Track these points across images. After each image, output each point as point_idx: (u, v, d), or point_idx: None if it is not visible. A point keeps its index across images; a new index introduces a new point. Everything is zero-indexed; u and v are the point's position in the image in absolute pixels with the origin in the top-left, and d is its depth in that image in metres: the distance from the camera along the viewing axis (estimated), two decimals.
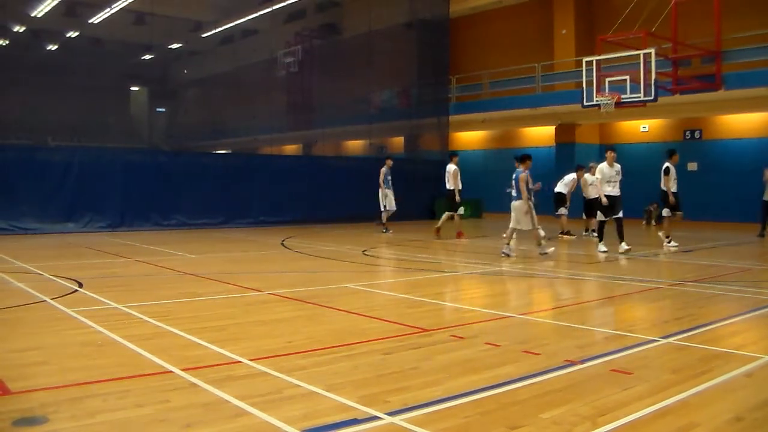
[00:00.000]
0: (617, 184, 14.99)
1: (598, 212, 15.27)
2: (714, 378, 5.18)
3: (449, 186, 18.19)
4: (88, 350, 6.07)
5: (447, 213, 18.43)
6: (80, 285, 9.76)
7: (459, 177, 18.10)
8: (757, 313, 8.16)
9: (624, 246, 14.65)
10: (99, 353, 5.94)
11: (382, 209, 20.49)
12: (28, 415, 4.29)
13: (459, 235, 18.31)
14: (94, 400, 4.62)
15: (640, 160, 22.95)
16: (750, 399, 4.77)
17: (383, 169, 20.40)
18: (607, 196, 14.91)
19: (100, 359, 5.73)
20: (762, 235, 18.51)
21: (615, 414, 4.33)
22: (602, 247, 14.84)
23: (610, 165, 15.04)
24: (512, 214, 14.34)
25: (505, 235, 14.56)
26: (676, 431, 4.11)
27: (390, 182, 20.52)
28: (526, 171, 14.21)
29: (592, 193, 18.10)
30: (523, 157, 14.48)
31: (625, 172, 22.50)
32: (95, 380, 5.04)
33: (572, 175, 19.13)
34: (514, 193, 14.31)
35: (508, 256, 13.98)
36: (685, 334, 6.76)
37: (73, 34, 28.49)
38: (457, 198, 18.13)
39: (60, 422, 4.18)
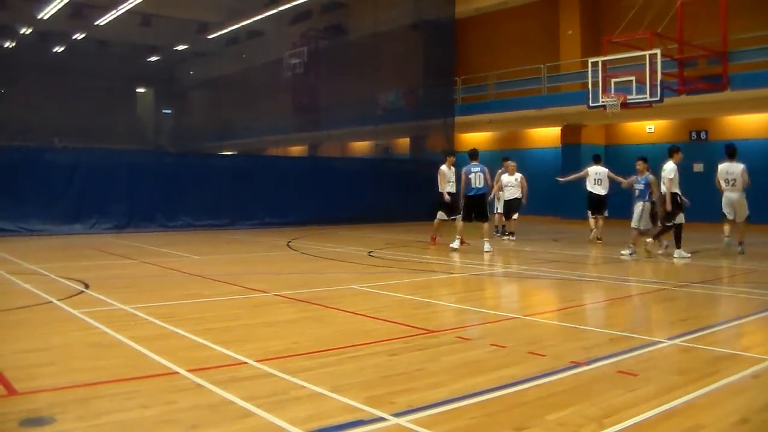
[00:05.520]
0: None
1: (681, 214, 14.32)
2: (720, 380, 5.17)
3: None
4: (94, 351, 6.08)
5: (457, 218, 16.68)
6: (87, 286, 9.78)
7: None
8: (763, 314, 8.13)
9: (683, 253, 14.20)
10: (105, 354, 5.96)
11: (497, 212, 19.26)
12: (35, 415, 4.30)
13: (432, 240, 16.96)
14: (100, 400, 4.63)
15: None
16: (756, 401, 4.76)
17: (499, 171, 19.21)
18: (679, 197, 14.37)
19: (106, 360, 5.74)
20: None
21: (621, 415, 4.33)
22: (684, 253, 14.12)
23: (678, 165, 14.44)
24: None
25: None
26: None
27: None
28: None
29: (506, 194, 18.41)
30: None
31: (629, 174, 22.52)
32: (102, 381, 5.05)
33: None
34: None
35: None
36: (691, 336, 6.75)
37: (79, 35, 28.61)
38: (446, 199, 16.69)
39: (67, 423, 4.19)
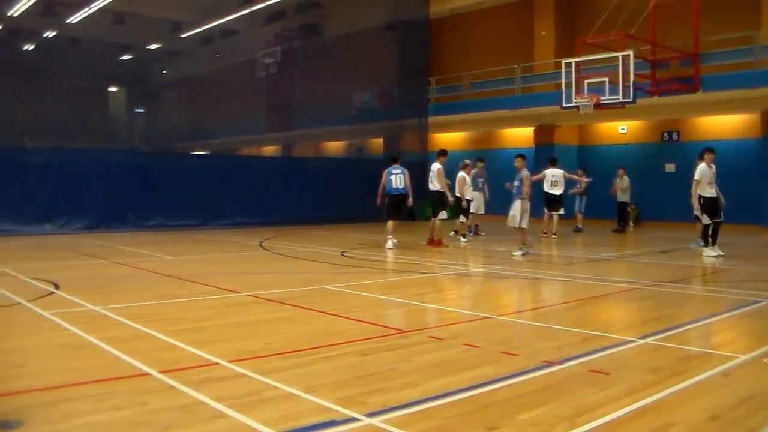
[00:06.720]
0: (714, 186, 14.40)
1: (704, 215, 14.42)
2: (691, 378, 5.23)
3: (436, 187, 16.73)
4: (65, 353, 6.03)
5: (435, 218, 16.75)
6: (57, 287, 9.68)
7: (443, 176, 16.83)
8: (733, 313, 8.23)
9: (717, 250, 14.29)
10: (76, 356, 5.90)
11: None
12: (2, 419, 4.25)
13: (438, 243, 16.62)
14: (71, 403, 4.59)
15: (618, 162, 23.07)
16: (727, 398, 4.80)
17: (473, 171, 19.17)
18: (711, 198, 14.28)
19: (77, 362, 5.69)
20: (622, 231, 21.76)
21: (593, 414, 4.35)
22: (711, 252, 14.28)
23: (709, 167, 14.32)
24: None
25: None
26: (653, 431, 4.13)
27: (479, 184, 19.58)
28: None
29: (468, 193, 18.54)
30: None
31: (604, 174, 22.74)
32: (72, 383, 5.01)
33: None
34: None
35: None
36: (662, 335, 6.80)
37: (50, 33, 28.28)
38: (450, 199, 16.94)
39: (35, 426, 4.14)
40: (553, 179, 19.70)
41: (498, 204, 19.20)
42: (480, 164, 19.89)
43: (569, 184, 20.95)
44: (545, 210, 19.92)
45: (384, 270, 12.71)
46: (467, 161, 18.74)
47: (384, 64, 30.49)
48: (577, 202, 22.21)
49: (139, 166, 21.79)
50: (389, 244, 15.83)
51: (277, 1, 28.76)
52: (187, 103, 31.89)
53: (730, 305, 8.80)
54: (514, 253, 14.48)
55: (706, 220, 14.40)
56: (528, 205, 14.82)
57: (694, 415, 4.42)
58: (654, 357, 6.04)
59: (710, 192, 14.24)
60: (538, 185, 19.60)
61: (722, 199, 14.62)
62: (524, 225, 14.72)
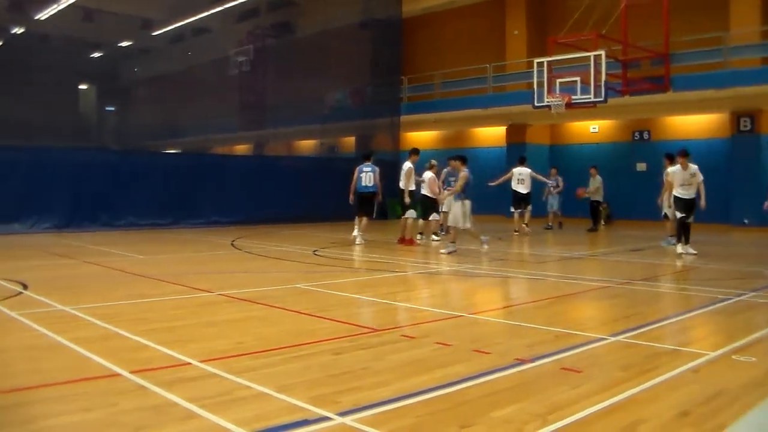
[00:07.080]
0: (692, 187, 14.35)
1: (678, 213, 14.57)
2: (661, 375, 5.27)
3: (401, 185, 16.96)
4: (34, 354, 5.96)
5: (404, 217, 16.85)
6: (25, 287, 9.57)
7: (413, 176, 16.96)
8: (703, 310, 8.31)
9: (690, 249, 14.37)
10: (45, 357, 5.83)
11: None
12: None
13: (409, 242, 16.73)
14: (41, 404, 4.55)
15: (590, 161, 23.23)
16: (696, 394, 4.85)
17: (445, 170, 18.35)
18: (683, 199, 14.33)
19: (46, 363, 5.63)
20: (595, 230, 21.95)
21: (564, 411, 4.37)
22: (682, 249, 14.39)
23: (684, 168, 14.32)
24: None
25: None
26: (624, 427, 4.16)
27: (452, 183, 19.20)
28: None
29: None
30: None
31: (576, 173, 22.89)
32: (42, 384, 4.95)
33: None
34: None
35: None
36: (633, 332, 6.85)
37: (18, 30, 27.94)
38: (407, 199, 16.72)
39: (6, 428, 4.09)
40: (520, 177, 20.10)
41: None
42: (453, 163, 19.83)
43: (537, 184, 21.20)
44: (512, 208, 20.29)
45: (356, 269, 12.71)
46: (434, 161, 18.61)
47: (357, 62, 30.46)
48: (553, 200, 22.66)
49: (110, 164, 21.59)
50: (355, 232, 16.31)
51: None
52: (159, 101, 31.59)
53: (700, 303, 8.88)
54: (441, 251, 14.61)
55: (678, 214, 14.51)
56: (468, 206, 14.62)
57: (664, 411, 4.45)
58: (625, 354, 6.08)
59: (682, 193, 14.35)
60: (506, 184, 20.03)
61: (701, 202, 14.44)
62: (468, 226, 14.68)
